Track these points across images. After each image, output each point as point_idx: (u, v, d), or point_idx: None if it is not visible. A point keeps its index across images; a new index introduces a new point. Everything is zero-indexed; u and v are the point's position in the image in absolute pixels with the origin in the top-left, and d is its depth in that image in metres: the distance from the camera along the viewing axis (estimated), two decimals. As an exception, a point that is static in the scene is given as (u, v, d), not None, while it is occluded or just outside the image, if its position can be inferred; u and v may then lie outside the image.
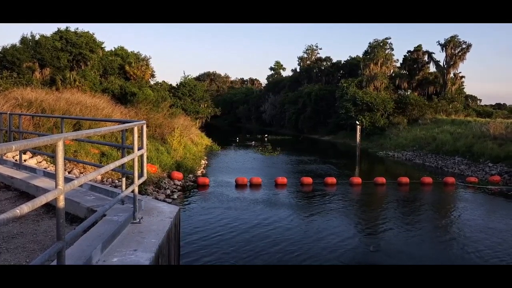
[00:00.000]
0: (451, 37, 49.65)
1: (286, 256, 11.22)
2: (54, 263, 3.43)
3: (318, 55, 73.29)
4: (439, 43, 50.59)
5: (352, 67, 60.48)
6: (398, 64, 54.55)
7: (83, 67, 36.19)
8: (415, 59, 52.67)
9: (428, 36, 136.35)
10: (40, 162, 14.52)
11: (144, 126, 5.88)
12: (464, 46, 49.60)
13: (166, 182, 19.10)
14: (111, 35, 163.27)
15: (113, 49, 41.75)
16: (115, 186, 14.84)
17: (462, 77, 51.68)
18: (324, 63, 69.59)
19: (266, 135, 54.33)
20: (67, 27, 36.75)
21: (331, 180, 21.83)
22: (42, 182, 7.74)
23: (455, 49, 49.73)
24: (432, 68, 52.81)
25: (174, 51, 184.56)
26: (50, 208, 6.46)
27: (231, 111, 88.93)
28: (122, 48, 42.25)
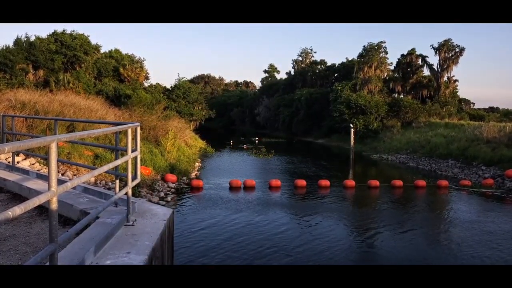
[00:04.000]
0: (445, 41, 49.91)
1: (279, 257, 11.21)
2: (47, 265, 3.41)
3: (313, 58, 73.57)
4: (432, 47, 50.85)
5: (346, 70, 60.70)
6: (392, 68, 54.82)
7: (77, 69, 36.05)
8: (409, 62, 52.94)
9: (421, 40, 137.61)
10: (33, 164, 14.44)
11: (138, 128, 5.87)
12: (457, 50, 49.86)
13: (160, 185, 19.05)
14: (106, 37, 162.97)
15: (107, 51, 41.70)
16: (109, 188, 14.78)
17: (455, 80, 52.00)
18: (319, 66, 69.81)
19: (256, 138, 54.10)
20: (63, 30, 36.70)
21: (325, 182, 21.86)
22: (35, 184, 7.70)
23: (449, 53, 49.99)
24: (425, 71, 53.11)
25: (169, 54, 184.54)
26: (42, 210, 6.43)
27: (225, 113, 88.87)
28: (116, 50, 42.21)
